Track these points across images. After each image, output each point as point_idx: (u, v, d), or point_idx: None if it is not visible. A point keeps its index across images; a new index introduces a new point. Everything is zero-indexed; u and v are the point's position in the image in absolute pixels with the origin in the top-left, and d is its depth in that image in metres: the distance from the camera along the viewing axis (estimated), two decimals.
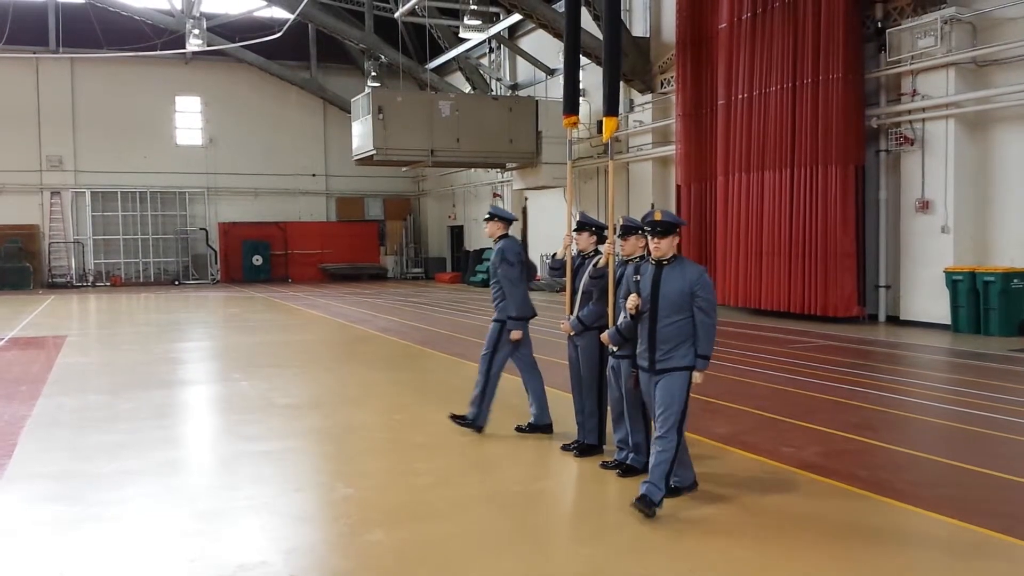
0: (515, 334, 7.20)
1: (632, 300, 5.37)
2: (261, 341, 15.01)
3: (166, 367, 12.09)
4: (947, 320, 14.44)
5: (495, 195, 31.48)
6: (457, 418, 7.49)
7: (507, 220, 7.34)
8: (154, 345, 14.49)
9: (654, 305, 5.27)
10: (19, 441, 7.40)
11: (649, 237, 5.36)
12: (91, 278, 33.51)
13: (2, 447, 7.18)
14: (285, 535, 5.08)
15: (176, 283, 34.07)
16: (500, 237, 7.32)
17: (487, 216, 7.39)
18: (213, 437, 8.11)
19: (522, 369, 7.40)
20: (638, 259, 5.82)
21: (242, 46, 30.95)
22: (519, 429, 7.39)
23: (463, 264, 33.56)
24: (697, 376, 5.29)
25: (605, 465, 6.29)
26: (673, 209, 20.30)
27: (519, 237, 6.55)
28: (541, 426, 7.37)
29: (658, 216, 5.35)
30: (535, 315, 7.38)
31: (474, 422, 7.38)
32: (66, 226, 33.35)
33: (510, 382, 10.38)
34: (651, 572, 4.42)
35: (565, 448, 6.76)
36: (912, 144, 15.09)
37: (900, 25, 15.20)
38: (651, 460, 5.26)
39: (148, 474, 6.38)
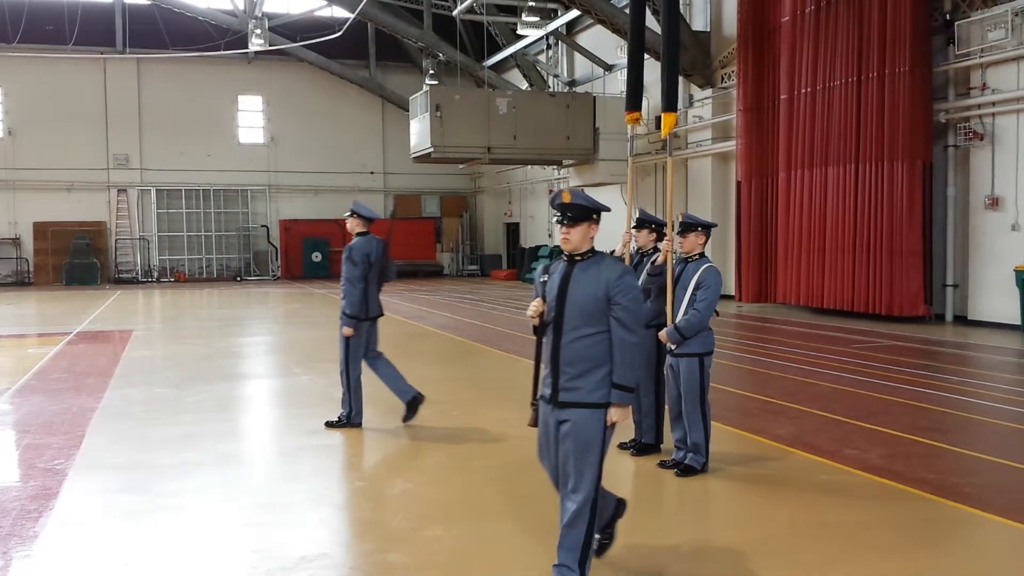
0: (346, 330, 7.51)
1: (534, 306, 4.01)
2: (320, 336, 15.17)
3: (229, 361, 12.33)
4: (1017, 320, 14.00)
5: (550, 191, 31.42)
6: (332, 423, 7.71)
7: (366, 218, 7.51)
8: (217, 340, 14.77)
9: (559, 313, 3.93)
10: (87, 432, 7.59)
11: (559, 225, 4.00)
12: (156, 274, 34.29)
13: (71, 438, 7.37)
14: (344, 528, 5.13)
15: (238, 279, 34.66)
16: (358, 234, 7.53)
17: (348, 213, 7.54)
18: (274, 430, 8.24)
19: (371, 367, 7.74)
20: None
21: (303, 45, 31.34)
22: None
23: (519, 261, 33.56)
24: (613, 413, 3.88)
25: (663, 464, 6.24)
26: (732, 206, 20.03)
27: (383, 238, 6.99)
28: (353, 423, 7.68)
29: (567, 198, 3.96)
30: (378, 315, 7.69)
31: (349, 420, 7.65)
32: (132, 223, 34.14)
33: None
34: (711, 571, 4.38)
35: (622, 447, 6.71)
36: (982, 139, 14.67)
37: (969, 17, 14.78)
38: (561, 536, 3.97)
39: (211, 466, 6.51)
